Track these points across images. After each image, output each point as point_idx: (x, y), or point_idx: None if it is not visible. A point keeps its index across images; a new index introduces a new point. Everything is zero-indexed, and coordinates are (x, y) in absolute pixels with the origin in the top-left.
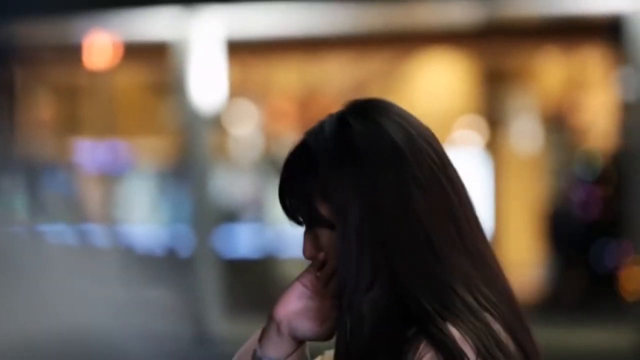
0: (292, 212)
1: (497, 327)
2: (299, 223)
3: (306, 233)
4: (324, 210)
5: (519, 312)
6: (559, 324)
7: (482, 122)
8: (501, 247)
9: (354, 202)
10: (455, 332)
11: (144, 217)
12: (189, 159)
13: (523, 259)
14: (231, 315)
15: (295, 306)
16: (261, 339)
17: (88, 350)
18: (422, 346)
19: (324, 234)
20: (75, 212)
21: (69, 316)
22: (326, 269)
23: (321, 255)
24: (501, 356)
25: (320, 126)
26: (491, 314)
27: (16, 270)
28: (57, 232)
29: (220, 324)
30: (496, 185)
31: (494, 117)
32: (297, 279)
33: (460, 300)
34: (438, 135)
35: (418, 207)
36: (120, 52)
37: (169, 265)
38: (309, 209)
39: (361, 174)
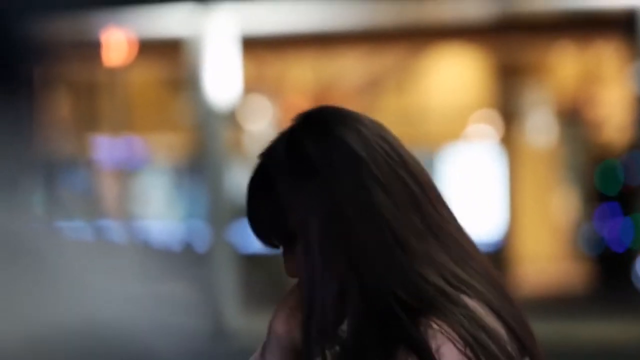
0: (264, 236)
1: (475, 306)
2: (275, 246)
3: (284, 253)
4: (290, 228)
5: (501, 289)
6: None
7: (497, 117)
8: (516, 240)
9: (314, 215)
10: (437, 327)
11: (160, 212)
12: (204, 155)
13: (537, 252)
14: (248, 310)
15: (292, 317)
16: (262, 353)
17: (105, 344)
18: (402, 351)
19: (299, 249)
20: (93, 209)
21: (85, 311)
22: None
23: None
24: (486, 337)
25: (273, 145)
26: (467, 295)
27: (34, 266)
28: (75, 228)
29: (237, 318)
30: (511, 179)
31: (508, 111)
32: (290, 291)
33: (435, 288)
34: (453, 129)
35: (380, 205)
36: (135, 48)
37: (186, 261)
38: (277, 231)
39: (318, 186)
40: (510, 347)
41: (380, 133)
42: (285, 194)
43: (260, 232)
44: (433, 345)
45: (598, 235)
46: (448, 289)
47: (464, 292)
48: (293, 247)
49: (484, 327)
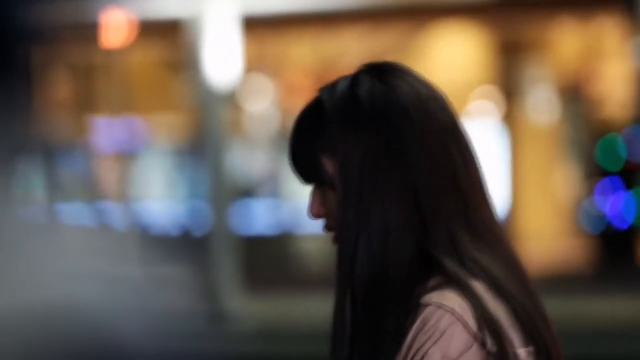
0: (301, 168)
1: (482, 292)
2: (308, 181)
3: (314, 191)
4: (330, 167)
5: (522, 278)
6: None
7: (498, 93)
8: (517, 218)
9: (355, 157)
10: (450, 306)
11: (161, 194)
12: (204, 136)
13: (539, 229)
14: (248, 292)
15: None
16: None
17: (95, 327)
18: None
19: (331, 196)
20: (92, 191)
21: (81, 294)
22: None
23: (322, 212)
24: (495, 321)
25: (333, 84)
26: (481, 280)
27: (31, 250)
28: (74, 211)
29: (237, 300)
30: (513, 155)
31: (510, 88)
32: None
33: (455, 260)
34: (454, 107)
35: (413, 166)
36: (135, 29)
37: (186, 242)
38: (316, 165)
39: (364, 130)
40: (513, 335)
41: (439, 102)
42: (333, 132)
43: (298, 163)
44: (442, 324)
45: (600, 212)
46: (461, 271)
47: (477, 277)
48: (324, 185)
49: (488, 312)
